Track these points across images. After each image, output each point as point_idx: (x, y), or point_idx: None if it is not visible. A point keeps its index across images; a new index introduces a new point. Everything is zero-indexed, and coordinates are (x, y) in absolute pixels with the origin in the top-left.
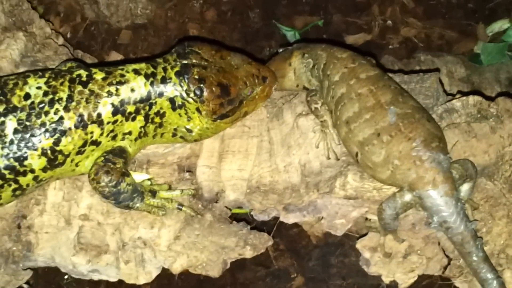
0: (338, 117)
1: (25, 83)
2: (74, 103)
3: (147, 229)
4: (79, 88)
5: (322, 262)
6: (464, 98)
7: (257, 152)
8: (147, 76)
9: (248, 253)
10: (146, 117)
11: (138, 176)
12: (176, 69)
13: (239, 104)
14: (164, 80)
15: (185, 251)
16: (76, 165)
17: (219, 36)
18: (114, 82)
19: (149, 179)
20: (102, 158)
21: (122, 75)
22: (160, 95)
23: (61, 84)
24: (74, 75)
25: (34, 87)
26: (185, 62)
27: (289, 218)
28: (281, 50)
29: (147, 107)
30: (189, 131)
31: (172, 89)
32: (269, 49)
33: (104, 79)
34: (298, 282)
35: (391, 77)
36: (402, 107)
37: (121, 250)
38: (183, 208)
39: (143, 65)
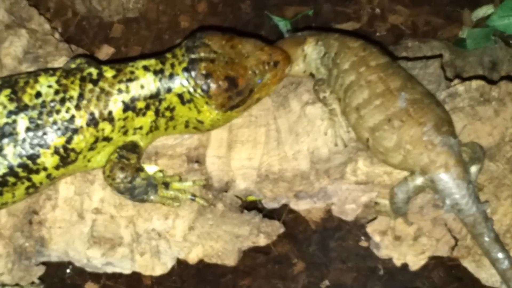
0: (348, 104)
1: (36, 81)
2: (85, 101)
3: (161, 221)
4: (90, 86)
5: (322, 246)
6: (467, 82)
7: (265, 141)
8: (156, 73)
9: (262, 241)
10: (157, 112)
11: (148, 168)
12: (184, 65)
13: (250, 93)
14: (172, 77)
15: (200, 241)
16: (89, 161)
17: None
18: (124, 79)
19: (160, 171)
20: (116, 154)
21: (132, 72)
22: (169, 91)
23: (72, 82)
24: (84, 74)
25: (45, 85)
26: (193, 56)
27: (299, 205)
28: (288, 35)
29: (157, 103)
30: (201, 122)
31: (179, 86)
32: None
33: (114, 77)
34: (300, 267)
35: (400, 65)
36: (412, 93)
37: (135, 242)
38: (196, 199)
39: (152, 61)
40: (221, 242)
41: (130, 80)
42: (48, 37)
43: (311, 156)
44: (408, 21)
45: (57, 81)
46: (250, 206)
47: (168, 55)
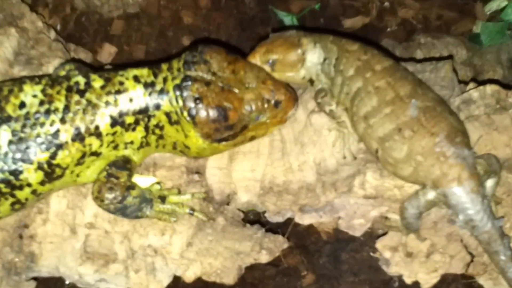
0: (355, 113)
1: (21, 90)
2: (70, 114)
3: (158, 237)
4: (76, 97)
5: (333, 258)
6: (481, 87)
7: (269, 152)
8: (146, 86)
9: (264, 258)
10: (146, 128)
11: (145, 180)
12: (176, 81)
13: (242, 129)
14: (162, 92)
15: (198, 258)
16: (77, 175)
17: (214, 24)
18: (113, 91)
19: (157, 183)
20: (105, 172)
21: (121, 83)
22: (157, 107)
23: (58, 92)
24: (71, 83)
25: (30, 95)
26: (188, 73)
27: (304, 219)
28: (271, 34)
29: (146, 119)
30: (187, 147)
31: (168, 104)
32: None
33: (102, 87)
34: (309, 280)
35: (405, 67)
36: (423, 100)
37: (130, 258)
38: (195, 213)
39: (145, 71)
40: (220, 259)
41: (118, 92)
42: (41, 36)
43: (318, 167)
44: (419, 15)
45: (43, 91)
46: (253, 219)
47: (164, 66)
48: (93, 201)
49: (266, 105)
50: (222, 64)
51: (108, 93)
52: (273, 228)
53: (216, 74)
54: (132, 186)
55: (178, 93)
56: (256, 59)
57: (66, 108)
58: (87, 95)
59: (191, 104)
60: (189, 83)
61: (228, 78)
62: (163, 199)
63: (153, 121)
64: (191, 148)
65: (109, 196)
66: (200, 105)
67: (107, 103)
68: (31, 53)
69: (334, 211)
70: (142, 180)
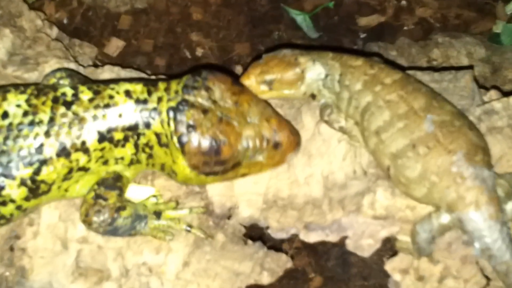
0: (366, 128)
1: (4, 98)
2: (55, 128)
3: (152, 255)
4: (62, 110)
5: (342, 261)
6: (505, 99)
7: None
8: (138, 102)
9: (265, 279)
10: (136, 146)
11: (142, 190)
12: (172, 103)
13: (235, 166)
14: (154, 112)
15: (195, 279)
16: (66, 190)
17: (224, 20)
18: (101, 104)
19: (154, 195)
20: (92, 193)
21: (111, 97)
22: (147, 126)
23: (43, 103)
24: (58, 93)
25: (14, 104)
26: (186, 97)
27: (309, 237)
28: (264, 55)
29: (135, 136)
30: (174, 172)
31: (159, 125)
32: (278, 33)
33: (90, 100)
34: (316, 283)
35: (417, 79)
36: (439, 113)
37: (124, 277)
38: (192, 230)
39: (139, 86)
40: (218, 280)
41: (107, 106)
42: (40, 34)
43: (325, 181)
44: (438, 14)
45: (27, 100)
46: (256, 234)
47: (161, 86)
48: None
49: (264, 145)
50: (226, 93)
51: (97, 106)
52: (276, 245)
53: (217, 103)
54: (122, 207)
55: (171, 115)
56: (250, 79)
57: (51, 120)
58: (74, 107)
59: (183, 130)
60: (185, 107)
61: (229, 109)
62: (158, 214)
63: (143, 140)
64: (178, 174)
65: (97, 219)
66: (193, 133)
67: (94, 117)
68: (27, 53)
69: (341, 230)
70: (138, 190)
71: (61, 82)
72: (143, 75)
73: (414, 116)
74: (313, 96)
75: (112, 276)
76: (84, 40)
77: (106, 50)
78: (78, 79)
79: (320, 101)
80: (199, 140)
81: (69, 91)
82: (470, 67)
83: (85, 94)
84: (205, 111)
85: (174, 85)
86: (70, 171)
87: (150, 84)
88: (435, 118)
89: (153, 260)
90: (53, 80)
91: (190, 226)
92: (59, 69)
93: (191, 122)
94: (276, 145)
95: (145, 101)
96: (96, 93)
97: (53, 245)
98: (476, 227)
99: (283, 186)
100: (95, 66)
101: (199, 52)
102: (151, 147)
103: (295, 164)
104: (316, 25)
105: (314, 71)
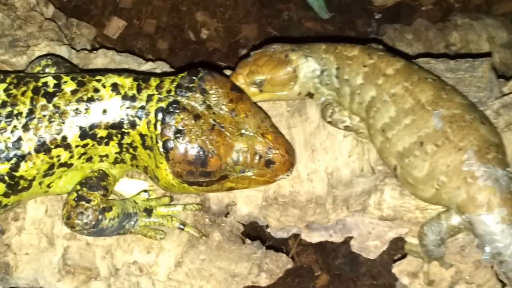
0: (372, 126)
1: None
2: (35, 121)
3: (143, 254)
4: (43, 101)
5: (350, 259)
6: None
7: None
8: (125, 98)
9: (264, 282)
10: (120, 145)
11: (134, 184)
12: (162, 104)
13: (221, 179)
14: (141, 111)
15: (188, 280)
16: (48, 186)
17: None
18: (85, 98)
19: (145, 190)
20: (74, 194)
21: (96, 90)
22: (133, 126)
23: (23, 94)
24: (39, 83)
25: None
26: (178, 99)
27: (312, 237)
28: (253, 53)
29: (119, 135)
30: (156, 177)
31: (145, 126)
32: (288, 13)
33: (73, 92)
34: (323, 281)
35: (420, 66)
36: (449, 106)
37: (113, 276)
38: (186, 228)
39: (128, 81)
40: (213, 282)
41: (91, 100)
42: (33, 13)
43: (329, 178)
44: None
45: (6, 90)
46: (255, 232)
47: (153, 82)
48: None
49: (256, 161)
50: (222, 99)
51: (79, 100)
52: (276, 245)
53: (212, 108)
54: (107, 208)
55: (160, 117)
56: (239, 81)
57: (31, 113)
58: (55, 99)
59: (169, 135)
60: (176, 110)
61: (224, 117)
62: (149, 212)
63: (127, 139)
64: (160, 180)
65: (79, 222)
66: (180, 140)
67: (77, 111)
68: (16, 34)
69: (346, 230)
70: (130, 184)
71: (47, 70)
72: (140, 61)
73: (421, 111)
74: (310, 95)
75: (100, 275)
76: (83, 20)
77: (106, 31)
78: (64, 67)
79: (320, 100)
80: (186, 148)
81: (51, 81)
82: (488, 54)
83: (68, 86)
84: (197, 116)
85: (167, 83)
86: (51, 167)
87: (141, 79)
88: (444, 113)
89: (143, 259)
90: (38, 68)
91: (183, 224)
92: (45, 56)
93: (179, 127)
94: (268, 163)
95: (133, 98)
96: (80, 84)
97: (39, 241)
98: (487, 231)
99: (284, 182)
100: (89, 50)
101: (204, 34)
102: (135, 148)
103: (298, 159)
104: (328, 4)
105: (308, 68)
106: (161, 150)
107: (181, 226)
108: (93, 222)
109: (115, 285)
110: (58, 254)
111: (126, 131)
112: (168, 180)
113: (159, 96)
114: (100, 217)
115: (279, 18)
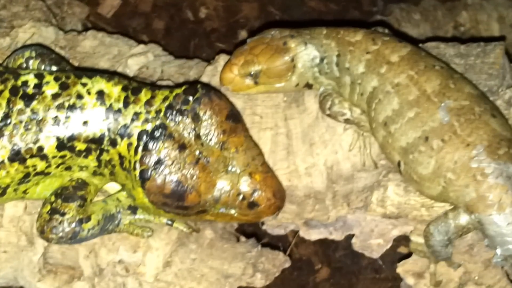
0: (374, 119)
1: None
2: (10, 127)
3: (129, 253)
4: (20, 105)
5: (351, 251)
6: None
7: (271, 149)
8: (109, 111)
9: (259, 282)
10: (99, 160)
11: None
12: (147, 126)
13: (199, 212)
14: (124, 130)
15: (177, 281)
16: (24, 192)
17: None
18: (66, 104)
19: None
20: (48, 207)
21: (80, 96)
22: (113, 144)
23: (0, 93)
24: (19, 82)
25: None
26: (166, 123)
27: (311, 234)
28: (249, 40)
29: (98, 151)
30: (132, 196)
31: (125, 147)
32: None
33: (54, 96)
34: (323, 275)
35: (428, 52)
36: (457, 97)
37: (97, 276)
38: (174, 224)
39: (116, 90)
40: (205, 283)
41: (73, 107)
42: None
43: (329, 172)
44: None
45: None
46: (250, 229)
47: (143, 96)
48: None
49: (238, 202)
50: (215, 129)
51: (60, 106)
52: (272, 242)
53: (200, 138)
54: (85, 219)
55: (142, 141)
56: (233, 72)
57: (6, 118)
58: (34, 104)
59: (149, 164)
60: (161, 136)
61: (212, 150)
62: (134, 209)
63: (105, 156)
64: (136, 200)
65: (54, 236)
66: (159, 170)
67: (56, 119)
68: (0, 14)
69: (347, 228)
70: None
71: (30, 62)
72: (132, 43)
73: (426, 102)
74: (309, 86)
75: (84, 274)
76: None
77: (100, 9)
78: (50, 60)
79: (319, 90)
80: (164, 181)
81: (32, 81)
82: (502, 38)
83: (50, 88)
84: (182, 146)
85: (159, 100)
86: (27, 175)
87: (131, 89)
88: (452, 104)
89: (130, 258)
90: (20, 60)
91: (172, 220)
92: (29, 46)
93: (161, 157)
94: (252, 206)
95: (118, 113)
96: (64, 87)
97: (18, 239)
98: (499, 232)
99: (281, 176)
100: (78, 31)
101: (202, 13)
102: (113, 166)
103: (295, 152)
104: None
105: (307, 56)
106: (138, 178)
107: (169, 222)
108: (70, 235)
109: (99, 285)
110: (38, 253)
111: (105, 148)
112: (144, 202)
113: (147, 116)
114: (77, 229)
115: None
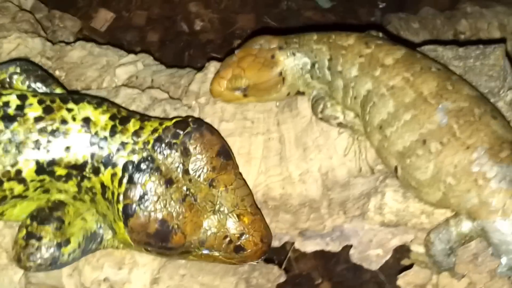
0: (368, 123)
1: None
2: None
3: (115, 270)
4: (0, 126)
5: (353, 265)
6: None
7: (264, 155)
8: (94, 138)
9: None
10: (79, 186)
11: None
12: (134, 157)
13: (183, 253)
14: (108, 160)
15: None
16: (1, 214)
17: None
18: (49, 129)
19: None
20: (24, 231)
21: (64, 121)
22: (96, 173)
23: None
24: (0, 102)
25: None
26: (153, 156)
27: (306, 246)
28: (237, 51)
29: (79, 178)
30: (113, 230)
31: (108, 178)
32: (287, 2)
33: (37, 120)
34: None
35: (425, 54)
36: (455, 99)
37: None
38: None
39: (104, 118)
40: None
41: (55, 132)
42: (6, 4)
43: (324, 178)
44: None
45: None
46: None
47: (131, 126)
48: None
49: (224, 245)
50: (204, 165)
51: (42, 130)
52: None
53: (188, 174)
54: (64, 242)
55: (128, 172)
56: (221, 87)
57: None
58: (15, 125)
59: (133, 198)
60: (147, 169)
61: (200, 187)
62: None
63: (87, 183)
64: (117, 234)
65: (32, 264)
66: (142, 207)
67: (37, 143)
68: None
69: (344, 238)
70: None
71: (14, 78)
72: (122, 53)
73: (423, 104)
74: (300, 93)
75: None
76: (69, 12)
77: (93, 23)
78: (35, 77)
79: (312, 94)
80: (148, 219)
81: (14, 102)
82: (502, 40)
83: (33, 110)
84: (169, 181)
85: (147, 132)
86: (4, 198)
87: (119, 119)
88: (450, 106)
89: (115, 276)
90: (3, 76)
91: None
92: (15, 61)
93: (146, 191)
94: (238, 249)
95: (103, 140)
96: (47, 111)
97: None
98: (503, 240)
99: (274, 183)
100: (66, 42)
101: (197, 25)
102: (94, 194)
103: (288, 158)
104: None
105: (296, 67)
106: (121, 213)
107: None
108: (49, 262)
109: None
110: (19, 272)
111: (87, 175)
112: (125, 238)
113: (134, 146)
114: (56, 254)
115: (278, 8)
